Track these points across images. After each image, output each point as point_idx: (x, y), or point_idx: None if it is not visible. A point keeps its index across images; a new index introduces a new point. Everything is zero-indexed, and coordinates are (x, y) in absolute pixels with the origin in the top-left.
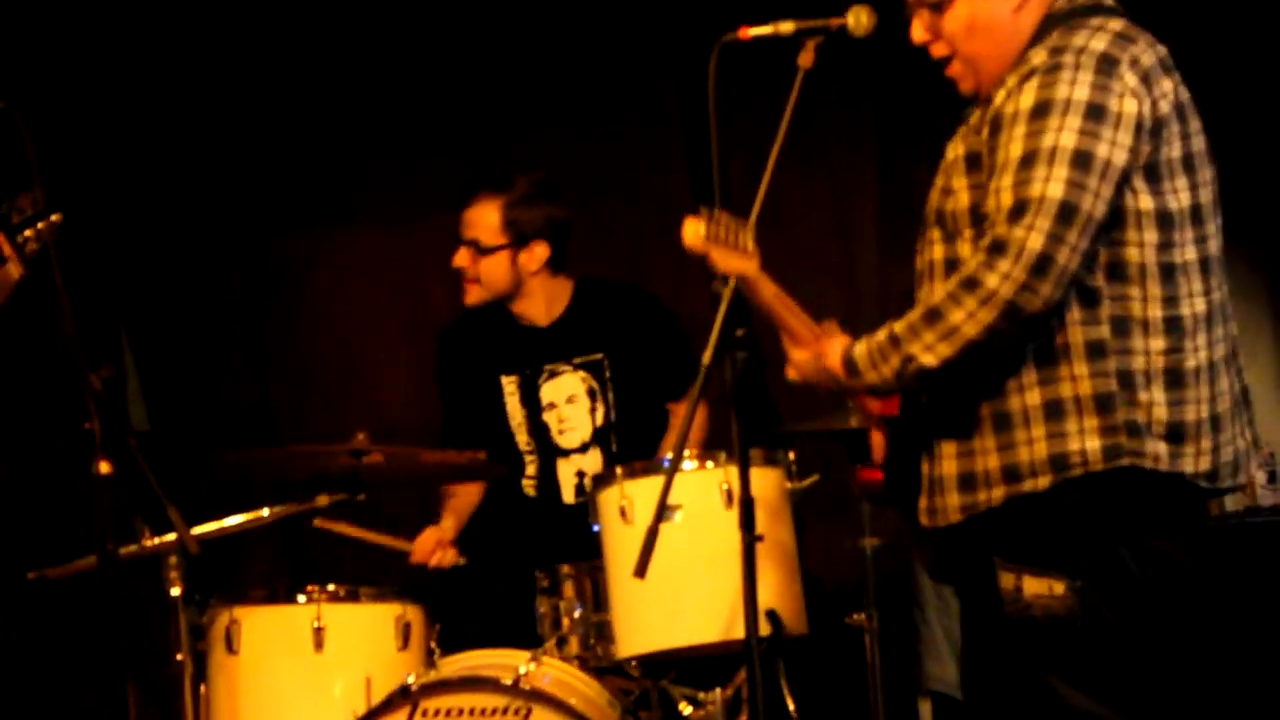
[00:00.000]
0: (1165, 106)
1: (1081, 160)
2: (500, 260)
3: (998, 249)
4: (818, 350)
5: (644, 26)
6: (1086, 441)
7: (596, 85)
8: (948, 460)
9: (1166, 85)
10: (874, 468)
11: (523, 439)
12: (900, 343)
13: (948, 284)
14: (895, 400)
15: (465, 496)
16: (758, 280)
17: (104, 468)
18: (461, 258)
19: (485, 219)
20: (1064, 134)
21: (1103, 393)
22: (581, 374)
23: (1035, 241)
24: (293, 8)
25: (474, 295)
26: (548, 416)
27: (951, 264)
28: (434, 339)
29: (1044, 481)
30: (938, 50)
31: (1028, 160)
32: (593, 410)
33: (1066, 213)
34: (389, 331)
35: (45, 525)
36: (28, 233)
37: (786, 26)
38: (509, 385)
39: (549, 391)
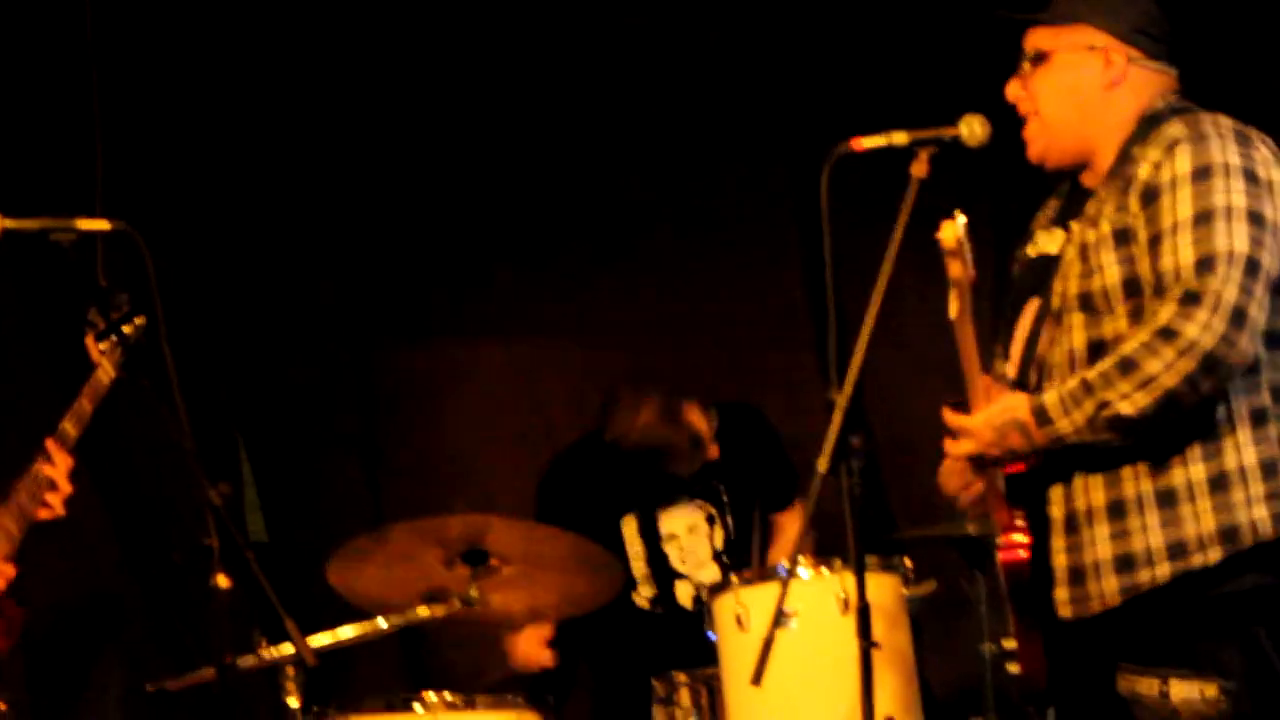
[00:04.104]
0: None
1: (1256, 219)
2: None
3: (1192, 300)
4: (1001, 406)
5: (760, 136)
6: (1255, 511)
7: (710, 193)
8: (1100, 544)
9: None
10: (1012, 548)
11: (639, 569)
12: (1093, 389)
13: (1138, 335)
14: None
15: None
16: (968, 310)
17: (223, 581)
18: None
19: None
20: (1234, 195)
21: (1268, 459)
22: (699, 502)
23: (1230, 293)
24: (414, 124)
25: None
26: (668, 547)
27: (1097, 346)
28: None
29: (1214, 555)
30: (1024, 107)
31: (1203, 218)
32: (711, 535)
33: (1253, 268)
34: (504, 443)
35: (164, 637)
36: (116, 336)
37: (900, 137)
38: (628, 521)
39: (669, 522)
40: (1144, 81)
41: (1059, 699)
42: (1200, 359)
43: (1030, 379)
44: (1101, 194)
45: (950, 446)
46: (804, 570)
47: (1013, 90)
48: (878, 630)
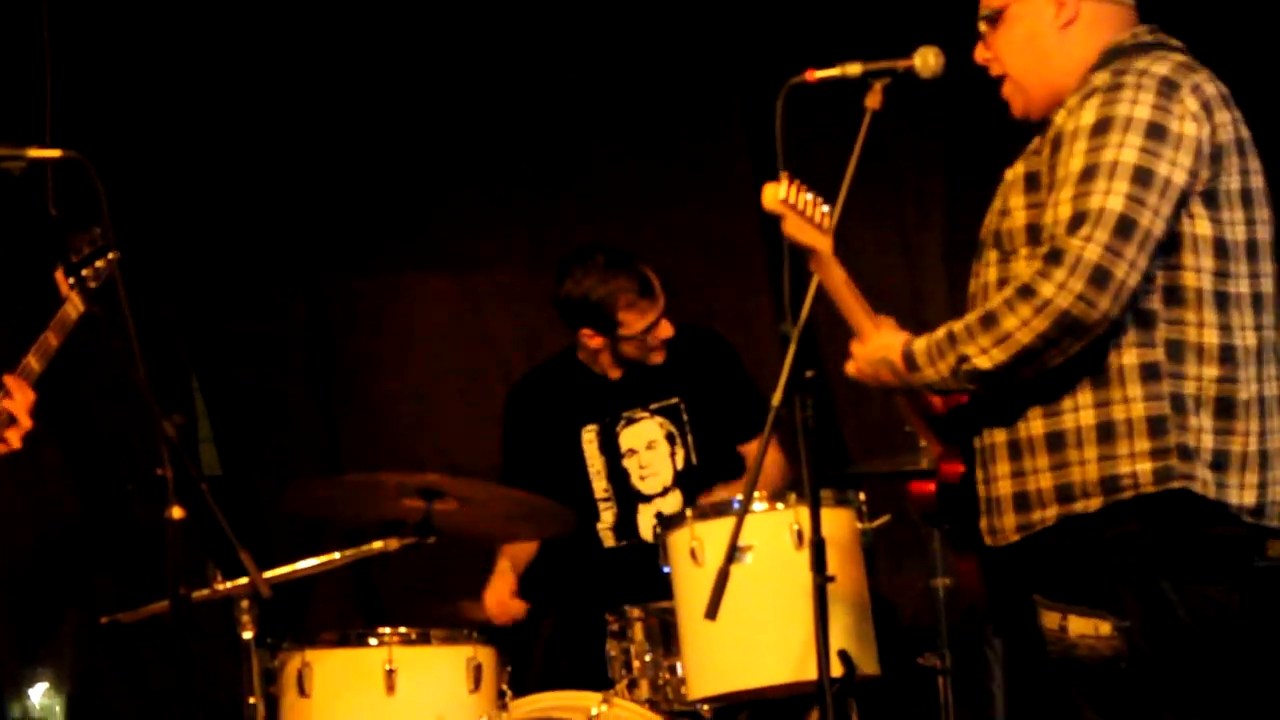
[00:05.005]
0: (1224, 135)
1: (1141, 176)
2: None
3: (1054, 258)
4: (878, 343)
5: (714, 69)
6: (1138, 464)
7: (666, 128)
8: (1003, 481)
9: (1226, 116)
10: (924, 480)
11: (601, 486)
12: (956, 342)
13: (1004, 291)
14: (953, 399)
15: (523, 545)
16: (828, 261)
17: (176, 513)
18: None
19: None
20: (1124, 150)
21: (1155, 415)
22: (659, 419)
23: (1092, 253)
24: (363, 53)
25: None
26: (628, 463)
27: (1005, 284)
28: (504, 390)
29: (1095, 503)
30: (995, 69)
31: (1087, 174)
32: (673, 455)
33: (1124, 227)
34: (457, 375)
35: (118, 569)
36: (86, 271)
37: (854, 69)
38: (589, 434)
39: (629, 437)
40: (1099, 16)
41: (1001, 628)
42: (1054, 318)
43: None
44: (1038, 134)
45: (847, 368)
46: (759, 504)
47: (980, 54)
48: (832, 564)
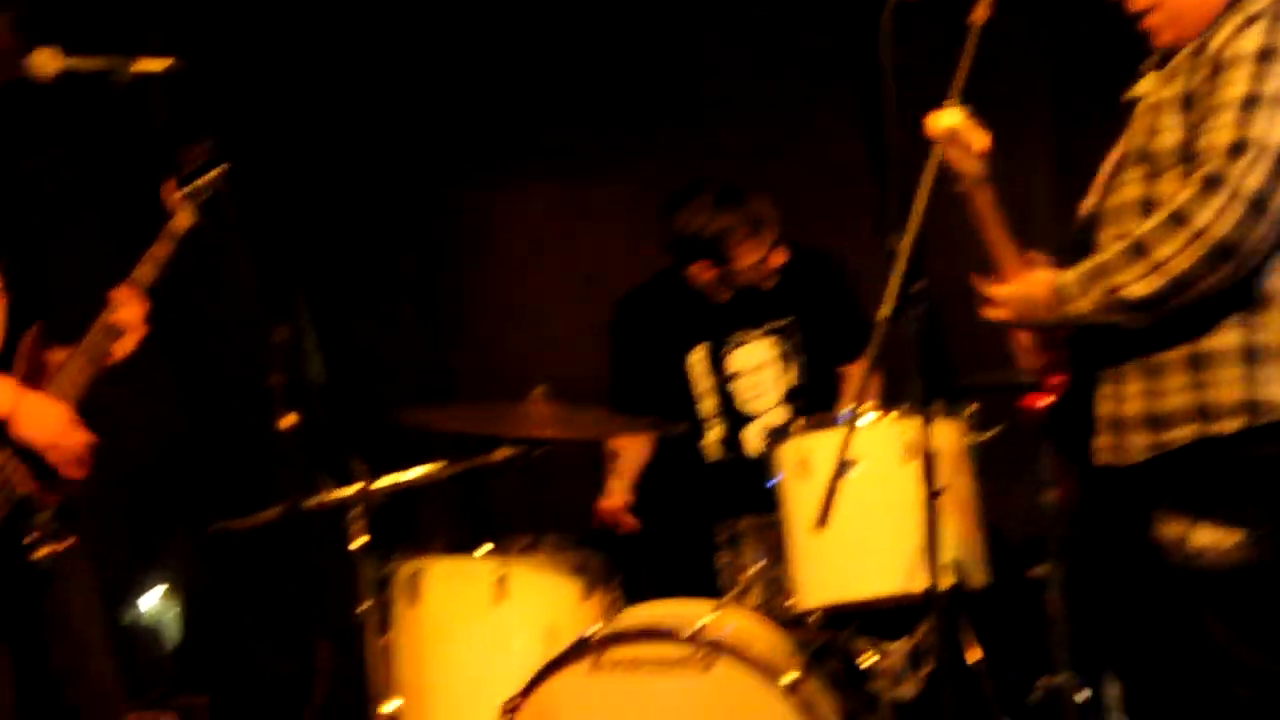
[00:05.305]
0: None
1: None
2: None
3: (1212, 184)
4: (1026, 282)
5: None
6: None
7: (773, 42)
8: (1134, 400)
9: None
10: (1036, 394)
11: (707, 406)
12: (1107, 272)
13: (1154, 218)
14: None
15: (632, 459)
16: (981, 187)
17: (286, 422)
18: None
19: None
20: None
21: None
22: (772, 339)
23: (1254, 181)
24: None
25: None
26: (734, 385)
27: (1148, 203)
28: (612, 305)
29: (1234, 424)
30: (1140, 2)
31: (1250, 102)
32: (782, 375)
33: None
34: (564, 288)
35: (228, 479)
36: (197, 183)
37: None
38: (696, 354)
39: (738, 359)
40: None
41: (1093, 544)
42: (1210, 245)
43: (1094, 224)
44: (1186, 51)
45: (989, 313)
46: (868, 416)
47: None
48: (942, 476)
